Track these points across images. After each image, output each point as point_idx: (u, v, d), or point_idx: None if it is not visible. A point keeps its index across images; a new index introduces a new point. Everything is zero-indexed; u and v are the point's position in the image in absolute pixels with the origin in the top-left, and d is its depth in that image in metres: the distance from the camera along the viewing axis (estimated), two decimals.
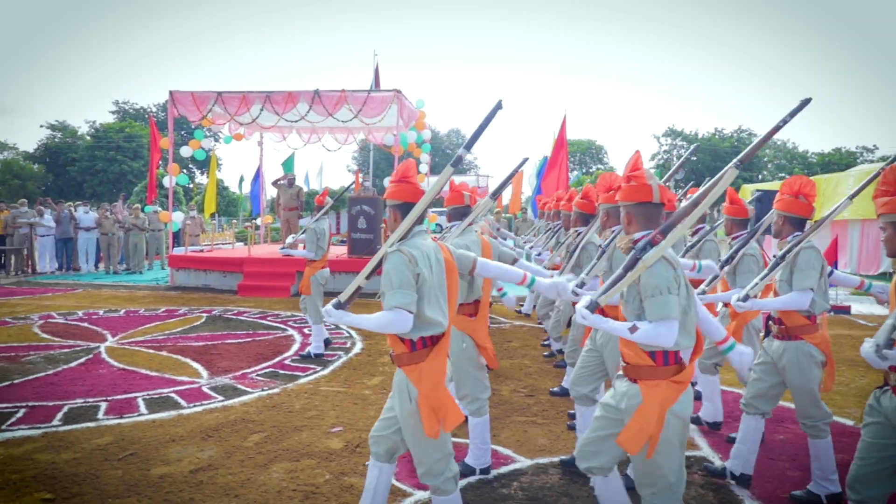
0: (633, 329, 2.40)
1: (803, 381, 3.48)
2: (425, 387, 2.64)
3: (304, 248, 7.00)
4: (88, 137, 46.66)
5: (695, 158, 51.62)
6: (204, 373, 6.09)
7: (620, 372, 2.64)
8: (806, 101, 2.35)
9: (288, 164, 16.36)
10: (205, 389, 5.54)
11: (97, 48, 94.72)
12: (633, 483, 2.64)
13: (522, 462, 4.05)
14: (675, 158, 51.40)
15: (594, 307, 2.45)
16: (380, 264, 2.71)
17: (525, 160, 5.06)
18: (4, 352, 6.82)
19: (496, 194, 4.73)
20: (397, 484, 3.70)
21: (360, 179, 16.48)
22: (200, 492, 3.57)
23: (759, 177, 46.94)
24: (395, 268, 2.62)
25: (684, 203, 2.51)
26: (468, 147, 2.67)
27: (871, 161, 42.18)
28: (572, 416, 4.77)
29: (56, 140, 46.66)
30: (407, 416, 2.70)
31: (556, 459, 4.04)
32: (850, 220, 14.93)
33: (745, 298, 3.49)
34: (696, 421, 4.71)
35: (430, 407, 2.63)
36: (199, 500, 3.48)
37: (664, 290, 2.40)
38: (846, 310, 10.04)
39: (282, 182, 15.05)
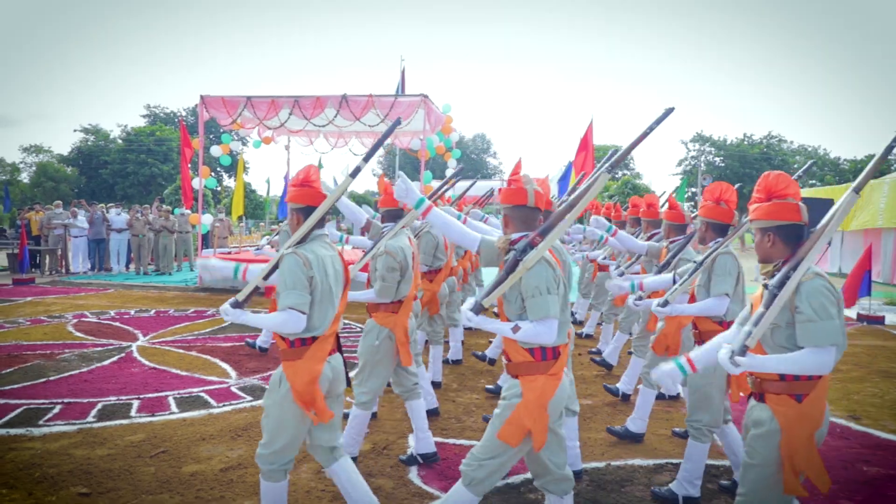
0: (515, 329, 2.52)
1: (704, 383, 3.48)
2: (298, 382, 2.75)
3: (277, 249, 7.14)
4: (120, 141, 47.74)
5: (723, 164, 51.00)
6: (232, 373, 6.18)
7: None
8: (669, 110, 2.52)
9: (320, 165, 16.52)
10: (233, 389, 5.62)
11: (130, 54, 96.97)
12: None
13: None
14: (702, 164, 50.75)
15: (479, 309, 2.54)
16: (277, 265, 2.81)
17: (461, 168, 5.52)
18: (41, 349, 7.00)
19: (432, 197, 4.89)
20: (425, 487, 3.71)
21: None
22: (231, 490, 3.62)
23: None
24: (289, 269, 2.75)
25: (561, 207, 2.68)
26: (366, 159, 2.86)
27: None
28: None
29: (89, 143, 47.84)
30: (272, 403, 2.83)
31: (583, 466, 4.01)
32: (884, 229, 14.53)
33: (665, 304, 3.51)
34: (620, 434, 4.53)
35: (302, 401, 2.75)
36: (229, 498, 3.53)
37: (544, 290, 2.51)
38: (880, 320, 9.75)
39: None
